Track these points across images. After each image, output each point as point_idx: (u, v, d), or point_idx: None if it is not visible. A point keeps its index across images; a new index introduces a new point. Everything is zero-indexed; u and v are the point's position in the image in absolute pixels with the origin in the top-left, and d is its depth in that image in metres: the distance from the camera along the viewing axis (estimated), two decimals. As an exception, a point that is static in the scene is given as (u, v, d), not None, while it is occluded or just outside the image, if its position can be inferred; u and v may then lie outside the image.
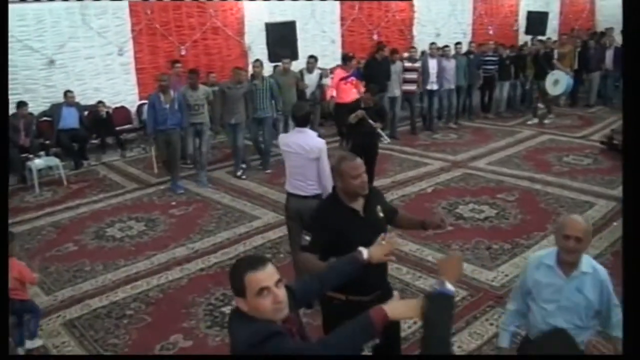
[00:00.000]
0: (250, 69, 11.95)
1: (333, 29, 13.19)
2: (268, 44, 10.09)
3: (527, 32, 15.16)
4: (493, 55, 11.85)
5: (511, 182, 7.61)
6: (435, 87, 10.77)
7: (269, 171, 8.43)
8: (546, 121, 11.33)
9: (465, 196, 7.11)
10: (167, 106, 7.45)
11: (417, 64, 10.68)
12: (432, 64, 10.73)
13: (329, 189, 4.39)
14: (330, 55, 13.01)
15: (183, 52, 11.07)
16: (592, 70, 12.99)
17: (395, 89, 10.29)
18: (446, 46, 11.24)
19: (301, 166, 4.36)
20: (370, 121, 6.41)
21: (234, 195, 7.44)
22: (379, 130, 6.78)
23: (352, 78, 9.19)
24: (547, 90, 11.28)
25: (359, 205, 2.97)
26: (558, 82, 11.09)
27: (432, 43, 11.31)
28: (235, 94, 8.08)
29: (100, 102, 9.69)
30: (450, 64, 10.90)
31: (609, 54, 13.00)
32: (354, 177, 2.88)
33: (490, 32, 16.77)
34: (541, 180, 7.63)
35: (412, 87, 10.56)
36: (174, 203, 7.22)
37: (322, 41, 13.01)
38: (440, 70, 10.74)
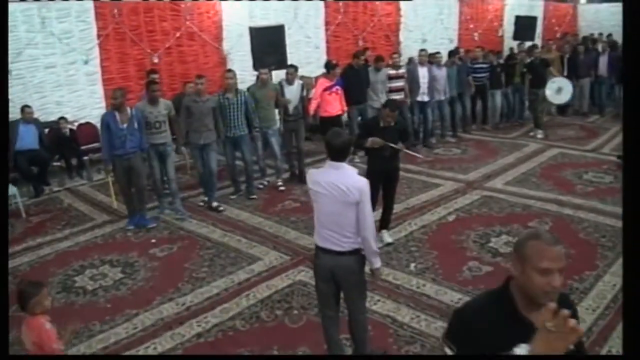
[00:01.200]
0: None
1: (317, 34, 12.22)
2: (253, 50, 9.06)
3: (515, 38, 14.48)
4: (484, 63, 11.03)
5: (538, 207, 6.75)
6: (426, 98, 9.69)
7: (254, 197, 7.39)
8: (539, 136, 10.49)
9: (494, 225, 6.21)
10: (125, 126, 6.21)
11: (402, 71, 9.62)
12: (422, 72, 9.64)
13: (372, 245, 3.44)
14: (315, 63, 12.04)
15: (156, 60, 9.94)
16: (581, 76, 12.30)
17: (381, 99, 8.98)
18: (437, 53, 10.27)
19: (336, 213, 3.36)
20: (392, 145, 5.41)
21: (225, 229, 6.35)
22: (407, 150, 5.82)
23: (337, 88, 8.27)
24: (550, 100, 10.57)
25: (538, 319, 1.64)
26: (562, 89, 10.42)
27: (422, 49, 10.13)
28: (201, 109, 6.80)
29: (62, 118, 8.49)
30: (442, 73, 9.92)
31: (603, 60, 12.39)
32: (541, 272, 1.73)
33: (476, 37, 16.09)
34: (569, 204, 6.79)
35: (399, 97, 9.21)
36: (154, 240, 6.10)
37: (306, 47, 12.04)
38: (431, 80, 9.69)
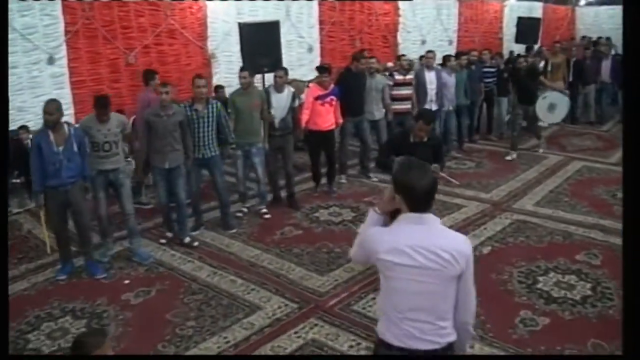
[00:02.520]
0: (214, 80, 10.01)
1: (311, 33, 11.19)
2: (243, 50, 8.00)
3: (517, 41, 13.72)
4: (491, 67, 9.97)
5: (580, 234, 5.79)
6: (434, 107, 8.33)
7: (233, 230, 6.06)
8: (508, 157, 8.82)
9: (537, 259, 5.21)
10: (61, 149, 4.81)
11: (410, 76, 8.41)
12: (430, 77, 8.43)
13: (470, 330, 2.36)
14: (308, 65, 11.03)
15: (132, 60, 8.80)
16: (588, 82, 11.37)
17: (374, 110, 7.78)
18: (451, 55, 9.23)
19: (431, 292, 2.22)
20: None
21: (214, 265, 5.23)
22: (442, 174, 4.81)
23: (332, 97, 6.93)
24: (542, 119, 9.13)
25: None
26: (555, 106, 8.92)
27: (430, 51, 8.95)
28: (165, 125, 5.41)
29: (23, 127, 7.29)
30: (452, 79, 8.76)
31: (606, 65, 11.48)
32: None
33: (476, 39, 15.20)
34: (615, 231, 5.78)
35: (405, 106, 8.21)
36: (127, 281, 4.97)
37: (298, 48, 11.01)
38: (440, 87, 8.50)
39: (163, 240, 5.78)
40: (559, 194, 7.14)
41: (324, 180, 7.36)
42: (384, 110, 7.92)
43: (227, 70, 9.79)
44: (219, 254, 5.48)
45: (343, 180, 7.64)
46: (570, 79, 11.27)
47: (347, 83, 7.39)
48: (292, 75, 10.66)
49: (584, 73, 11.24)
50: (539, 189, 7.34)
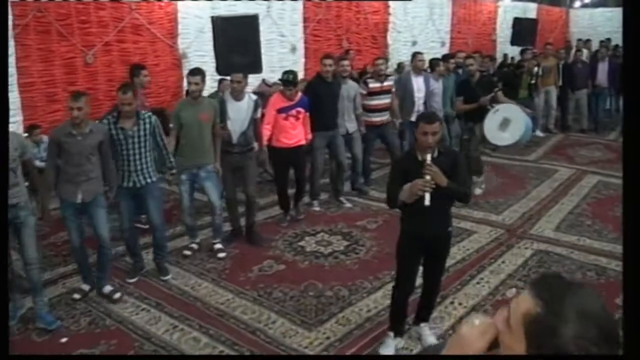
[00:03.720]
0: (186, 84, 8.96)
1: (294, 32, 10.18)
2: (217, 48, 6.95)
3: (513, 43, 12.76)
4: (482, 71, 8.89)
5: (614, 269, 4.84)
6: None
7: (167, 277, 4.75)
8: (477, 191, 6.86)
9: (572, 305, 4.26)
10: None
11: (388, 82, 7.02)
12: (418, 84, 7.30)
13: None
14: (291, 67, 9.97)
15: (90, 60, 7.71)
16: (578, 87, 10.51)
17: (347, 122, 6.58)
18: (439, 59, 8.10)
19: None
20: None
21: (175, 316, 4.17)
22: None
23: (298, 109, 5.75)
24: (490, 139, 6.69)
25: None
26: (509, 123, 6.45)
27: (418, 53, 7.79)
28: (79, 147, 4.14)
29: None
30: (440, 86, 7.72)
31: (602, 68, 10.65)
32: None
33: (469, 41, 14.34)
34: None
35: (382, 118, 6.98)
36: (64, 340, 3.86)
37: (280, 48, 9.99)
38: (428, 95, 7.43)
39: (76, 296, 4.43)
40: (579, 215, 6.22)
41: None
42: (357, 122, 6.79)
43: (200, 71, 8.75)
44: (182, 298, 4.41)
45: (316, 207, 6.46)
46: (560, 84, 10.43)
47: (317, 92, 6.15)
48: (272, 78, 9.72)
49: (575, 77, 10.39)
50: (555, 209, 6.42)
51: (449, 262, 4.93)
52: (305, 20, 10.28)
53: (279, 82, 9.19)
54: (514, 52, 13.65)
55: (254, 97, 5.43)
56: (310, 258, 5.13)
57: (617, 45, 11.59)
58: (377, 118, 6.93)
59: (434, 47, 12.92)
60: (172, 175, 4.89)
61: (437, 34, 13.34)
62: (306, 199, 6.59)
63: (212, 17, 7.09)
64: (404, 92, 7.27)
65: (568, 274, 4.77)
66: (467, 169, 3.84)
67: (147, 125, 4.46)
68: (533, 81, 9.39)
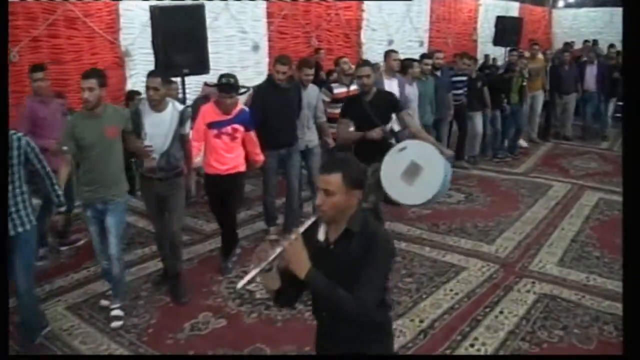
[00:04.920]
0: (130, 85, 7.82)
1: (257, 28, 9.08)
2: (155, 43, 5.86)
3: (496, 43, 11.96)
4: (462, 74, 7.80)
5: (639, 319, 3.86)
6: (396, 128, 5.57)
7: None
8: None
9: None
10: None
11: (355, 87, 5.83)
12: (392, 88, 5.97)
13: None
14: (253, 68, 8.97)
15: (14, 58, 6.53)
16: (566, 92, 9.56)
17: (307, 134, 5.42)
18: (412, 60, 6.83)
19: None
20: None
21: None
22: None
23: (234, 126, 4.42)
24: (390, 193, 4.48)
25: None
26: (420, 170, 4.34)
27: (392, 51, 6.55)
28: None
29: None
30: (414, 90, 6.60)
31: (591, 71, 9.76)
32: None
33: (449, 41, 13.42)
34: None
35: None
36: None
37: (241, 46, 8.89)
38: (403, 101, 5.95)
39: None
40: (585, 244, 5.24)
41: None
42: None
43: (146, 71, 7.57)
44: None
45: (273, 236, 5.23)
46: (547, 88, 9.47)
47: (266, 101, 4.95)
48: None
49: (562, 80, 9.43)
50: (555, 236, 5.44)
51: (434, 313, 3.93)
52: (269, 15, 9.19)
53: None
54: (495, 52, 12.82)
55: (180, 107, 4.14)
56: (259, 308, 4.03)
57: (611, 45, 10.69)
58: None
59: (412, 47, 11.96)
60: (60, 214, 3.67)
61: (415, 32, 12.37)
62: (262, 224, 5.52)
63: (150, 7, 6.00)
64: None
65: (581, 328, 3.77)
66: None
67: (15, 152, 3.18)
68: (524, 83, 8.42)
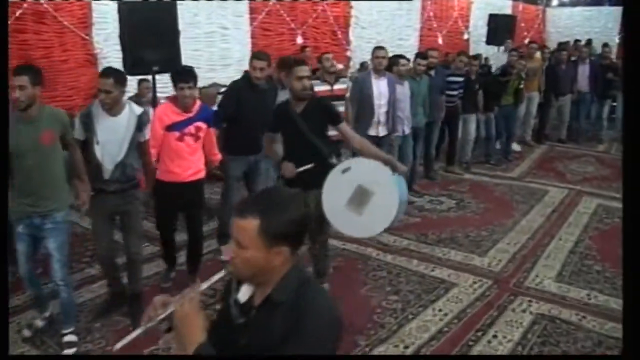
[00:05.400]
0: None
1: (239, 24, 8.67)
2: (123, 40, 5.43)
3: (489, 42, 11.60)
4: (459, 74, 7.22)
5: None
6: (383, 131, 5.64)
7: None
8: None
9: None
10: None
11: (340, 85, 5.75)
12: (380, 87, 5.59)
13: None
14: (235, 65, 8.54)
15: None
16: (562, 93, 9.08)
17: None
18: (401, 57, 6.18)
19: None
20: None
21: None
22: None
23: (198, 124, 3.92)
24: (331, 221, 3.63)
25: None
26: (368, 196, 3.42)
27: (379, 47, 5.82)
28: None
29: None
30: (404, 90, 5.98)
31: (583, 71, 9.30)
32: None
33: (440, 40, 13.05)
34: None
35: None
36: None
37: (222, 43, 8.48)
38: (393, 102, 5.69)
39: None
40: (584, 256, 4.87)
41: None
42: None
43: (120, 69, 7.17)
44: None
45: (226, 257, 4.49)
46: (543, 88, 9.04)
47: (241, 100, 4.48)
48: (212, 78, 8.24)
49: (559, 81, 8.95)
50: (552, 247, 5.06)
51: (421, 337, 3.53)
52: (252, 11, 8.78)
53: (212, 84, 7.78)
54: (488, 51, 12.45)
55: (138, 110, 3.62)
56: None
57: (605, 44, 10.35)
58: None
59: (402, 45, 11.56)
60: None
61: (406, 30, 11.97)
62: (214, 243, 4.93)
63: (118, 2, 5.58)
64: (360, 96, 5.62)
65: (583, 353, 3.40)
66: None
67: None
68: (521, 86, 8.01)
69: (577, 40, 13.63)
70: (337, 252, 4.78)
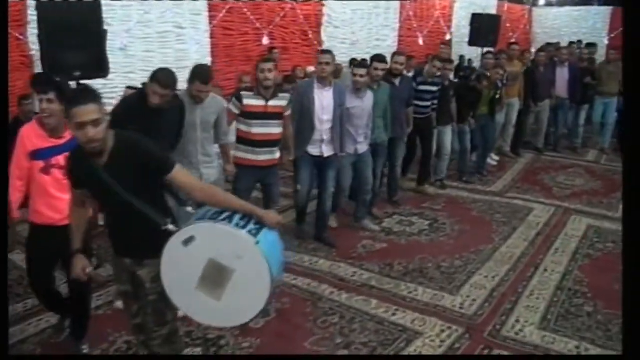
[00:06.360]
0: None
1: (197, 23, 7.90)
2: (41, 40, 4.67)
3: (472, 43, 10.96)
4: (433, 83, 6.18)
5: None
6: (328, 151, 4.78)
7: None
8: None
9: None
10: None
11: (278, 102, 4.36)
12: (324, 100, 4.68)
13: None
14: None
15: None
16: (541, 98, 8.30)
17: (201, 164, 3.98)
18: (363, 61, 5.75)
19: None
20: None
21: None
22: None
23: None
24: (179, 305, 2.41)
25: None
26: (227, 276, 2.26)
27: (324, 51, 5.08)
28: None
29: None
30: (362, 104, 4.97)
31: (562, 75, 8.49)
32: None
33: (420, 40, 12.37)
34: None
35: (266, 157, 4.38)
36: None
37: (177, 44, 7.71)
38: (340, 117, 4.76)
39: None
40: (573, 294, 4.17)
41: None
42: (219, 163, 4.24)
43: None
44: None
45: (119, 304, 3.56)
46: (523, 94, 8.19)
47: (131, 122, 3.11)
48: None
49: (537, 85, 8.16)
50: (537, 281, 4.36)
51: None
52: (212, 8, 8.01)
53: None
54: (472, 53, 11.81)
55: None
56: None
57: (590, 44, 9.70)
58: (260, 157, 4.33)
59: (380, 46, 10.86)
60: None
61: (383, 30, 11.25)
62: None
63: (37, 1, 4.84)
64: (300, 109, 4.65)
65: None
66: None
67: None
68: (498, 95, 7.24)
69: (571, 43, 13.08)
70: (284, 290, 4.06)
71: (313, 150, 4.71)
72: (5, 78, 2.83)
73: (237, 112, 4.28)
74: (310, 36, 9.60)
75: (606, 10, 14.96)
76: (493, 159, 7.91)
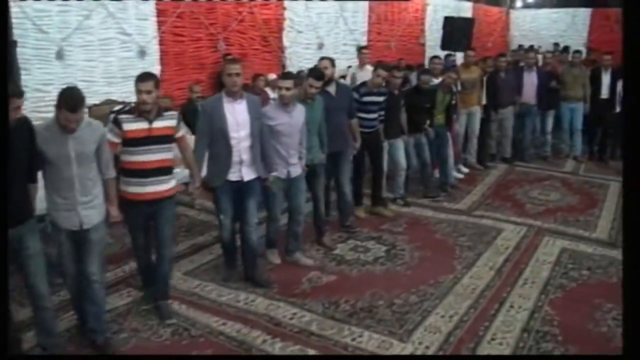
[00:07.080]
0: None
1: (143, 29, 7.30)
2: None
3: (443, 47, 10.56)
4: (379, 93, 5.59)
5: None
6: (249, 174, 4.13)
7: None
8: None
9: None
10: None
11: (167, 122, 3.63)
12: (237, 115, 4.00)
13: None
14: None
15: None
16: (503, 104, 7.81)
17: (88, 207, 3.29)
18: (300, 72, 5.56)
19: None
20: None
21: None
22: None
23: None
24: None
25: None
26: None
27: (230, 60, 4.31)
28: None
29: None
30: (290, 119, 4.37)
31: (529, 79, 8.01)
32: None
33: (392, 45, 11.88)
34: None
35: (156, 188, 3.67)
36: None
37: (122, 51, 7.12)
38: (258, 134, 4.12)
39: None
40: (541, 338, 3.63)
41: None
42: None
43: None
44: None
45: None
46: (484, 101, 7.68)
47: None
48: (110, 94, 6.95)
49: (497, 91, 7.66)
50: (501, 320, 3.82)
51: None
52: (160, 13, 7.40)
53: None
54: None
55: None
56: None
57: (576, 51, 9.23)
58: (146, 188, 3.59)
59: (348, 51, 10.35)
60: None
61: (351, 34, 10.72)
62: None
63: None
64: (211, 130, 4.01)
65: None
66: None
67: None
68: (454, 101, 6.73)
69: (556, 44, 12.70)
70: (209, 338, 3.49)
71: (232, 175, 4.08)
72: (6, 78, 2.85)
73: (117, 140, 3.51)
74: (271, 41, 9.03)
75: (585, 12, 14.62)
76: (461, 172, 7.38)
